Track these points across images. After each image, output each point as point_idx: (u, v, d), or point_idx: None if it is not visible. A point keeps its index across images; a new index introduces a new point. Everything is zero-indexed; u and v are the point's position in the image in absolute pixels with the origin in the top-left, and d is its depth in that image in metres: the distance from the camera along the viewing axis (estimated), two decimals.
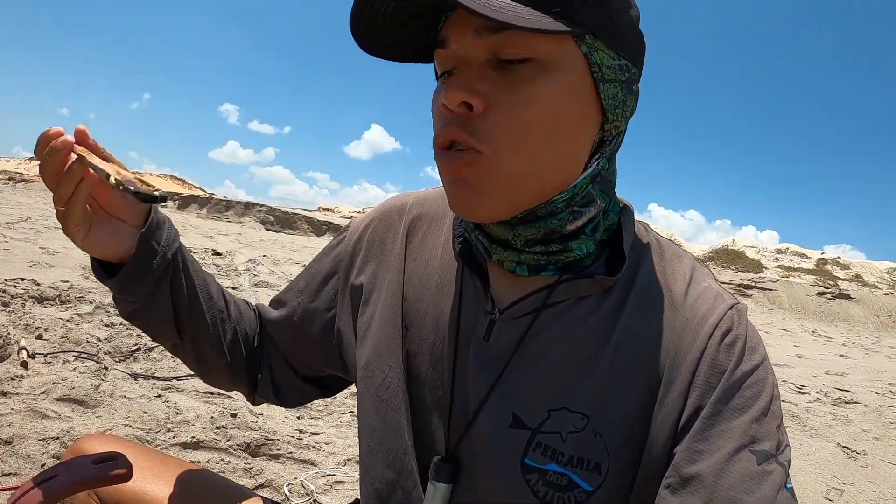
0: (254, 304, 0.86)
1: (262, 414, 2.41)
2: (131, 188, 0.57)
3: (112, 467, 0.68)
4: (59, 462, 0.77)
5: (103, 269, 0.66)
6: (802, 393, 4.88)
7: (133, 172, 0.63)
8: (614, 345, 0.57)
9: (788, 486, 0.51)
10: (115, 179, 0.57)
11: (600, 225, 0.59)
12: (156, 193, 0.59)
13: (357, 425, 0.72)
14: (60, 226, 0.61)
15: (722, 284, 0.61)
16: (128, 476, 0.69)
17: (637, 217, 0.65)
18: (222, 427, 2.20)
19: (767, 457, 0.51)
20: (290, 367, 0.82)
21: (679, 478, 0.51)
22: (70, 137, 0.58)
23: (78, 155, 0.58)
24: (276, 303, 0.82)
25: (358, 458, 0.72)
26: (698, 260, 0.63)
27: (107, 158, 0.62)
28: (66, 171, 0.58)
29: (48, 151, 0.57)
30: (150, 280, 0.67)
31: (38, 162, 0.58)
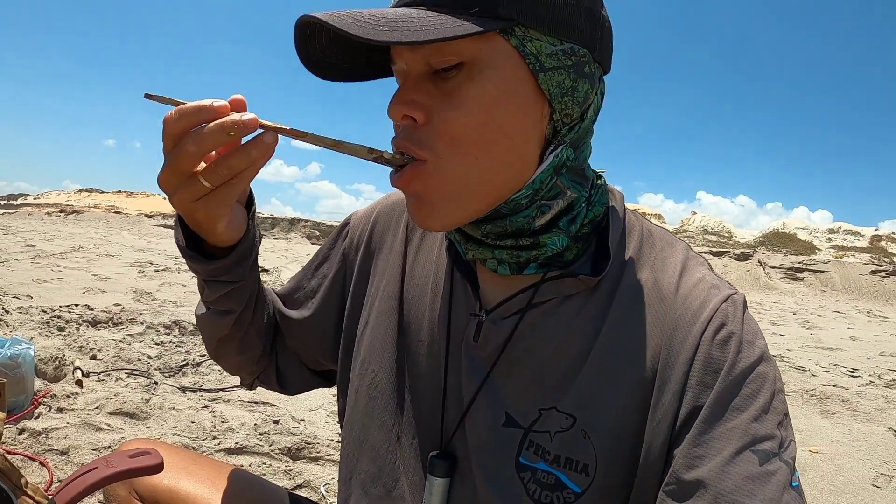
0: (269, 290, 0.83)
1: (303, 420, 2.52)
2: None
3: (145, 460, 0.74)
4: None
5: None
6: (854, 377, 4.73)
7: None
8: (601, 345, 0.56)
9: (794, 483, 0.49)
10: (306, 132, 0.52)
11: (580, 217, 0.58)
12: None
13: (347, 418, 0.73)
14: (188, 216, 0.55)
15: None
16: (159, 468, 0.75)
17: (632, 206, 0.64)
18: (265, 433, 2.31)
19: (770, 456, 0.49)
20: (296, 357, 0.82)
21: (680, 484, 0.50)
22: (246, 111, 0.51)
23: (270, 127, 0.51)
24: (290, 300, 0.81)
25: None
26: (710, 259, 0.62)
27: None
28: (253, 142, 0.50)
29: (237, 129, 0.48)
30: (253, 258, 0.66)
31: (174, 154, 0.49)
